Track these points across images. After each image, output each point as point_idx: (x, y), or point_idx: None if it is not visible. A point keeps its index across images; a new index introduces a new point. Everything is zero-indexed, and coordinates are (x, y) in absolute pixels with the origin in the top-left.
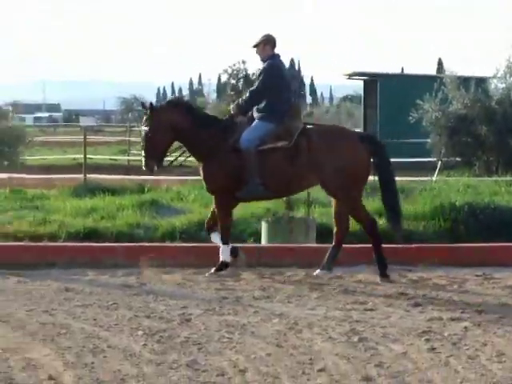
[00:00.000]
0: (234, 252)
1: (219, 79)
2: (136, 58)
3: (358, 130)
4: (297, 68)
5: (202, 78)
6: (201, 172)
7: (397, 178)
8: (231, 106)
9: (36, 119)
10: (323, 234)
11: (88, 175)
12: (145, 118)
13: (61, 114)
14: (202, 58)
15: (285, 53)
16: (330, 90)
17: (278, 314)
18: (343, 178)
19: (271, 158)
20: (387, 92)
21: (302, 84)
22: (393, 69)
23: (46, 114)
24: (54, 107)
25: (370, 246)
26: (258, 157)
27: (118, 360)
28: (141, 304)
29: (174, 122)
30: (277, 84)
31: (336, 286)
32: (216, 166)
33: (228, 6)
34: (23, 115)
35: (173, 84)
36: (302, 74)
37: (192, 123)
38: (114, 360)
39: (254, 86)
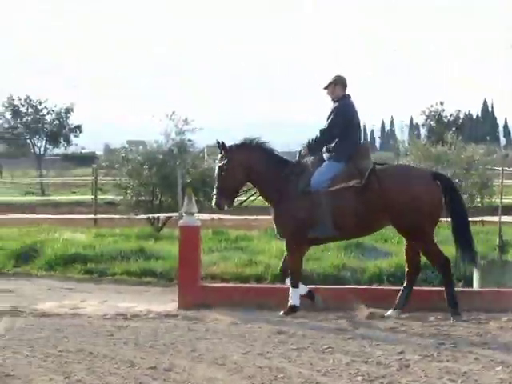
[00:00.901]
0: (310, 296)
1: (411, 121)
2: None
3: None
4: (490, 109)
5: (394, 119)
6: (271, 214)
7: None
8: (301, 147)
9: None
10: None
11: None
12: (219, 156)
13: None
14: (395, 100)
15: (476, 95)
16: None
17: (500, 361)
18: (415, 217)
19: (342, 199)
20: None
21: (495, 125)
22: None
23: None
24: None
25: None
26: (329, 197)
27: None
28: (357, 348)
29: (248, 163)
30: (346, 124)
31: None
32: (287, 209)
33: None
34: None
35: (364, 126)
36: (496, 114)
37: (265, 165)
38: None
39: (325, 126)
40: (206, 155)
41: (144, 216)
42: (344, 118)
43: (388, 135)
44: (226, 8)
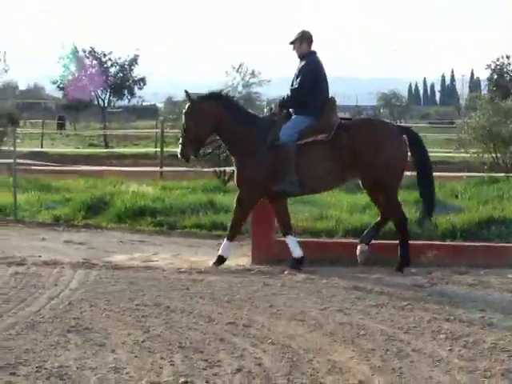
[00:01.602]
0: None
1: (472, 75)
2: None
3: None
4: None
5: (454, 73)
6: (234, 167)
7: None
8: (272, 105)
9: None
10: None
11: None
12: (186, 106)
13: None
14: (455, 54)
15: None
16: None
17: None
18: (381, 171)
19: (310, 153)
20: None
21: None
22: None
23: None
24: None
25: None
26: (296, 151)
27: (426, 366)
28: (437, 306)
29: (214, 114)
30: (315, 81)
31: None
32: (252, 162)
33: None
34: None
35: (425, 80)
36: None
37: (232, 117)
38: (422, 365)
39: (294, 85)
40: (265, 109)
41: (211, 169)
42: (312, 75)
43: (448, 89)
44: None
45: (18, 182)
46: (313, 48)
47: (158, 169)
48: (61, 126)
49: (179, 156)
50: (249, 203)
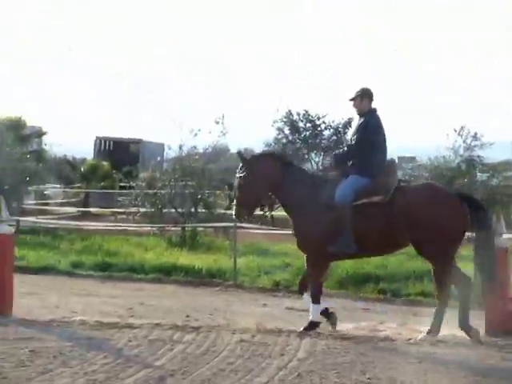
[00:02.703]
0: (325, 313)
1: None
2: None
3: None
4: None
5: None
6: (292, 227)
7: None
8: (327, 161)
9: None
10: None
11: None
12: (240, 166)
13: None
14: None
15: None
16: None
17: None
18: (438, 238)
19: (365, 214)
20: None
21: None
22: None
23: None
24: None
25: None
26: (351, 212)
27: None
28: None
29: (267, 174)
30: (373, 140)
31: None
32: (308, 222)
33: None
34: None
35: None
36: None
37: (286, 177)
38: None
39: (352, 142)
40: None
41: None
42: (371, 133)
43: None
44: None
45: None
46: (373, 105)
47: None
48: None
49: (234, 217)
50: (316, 262)
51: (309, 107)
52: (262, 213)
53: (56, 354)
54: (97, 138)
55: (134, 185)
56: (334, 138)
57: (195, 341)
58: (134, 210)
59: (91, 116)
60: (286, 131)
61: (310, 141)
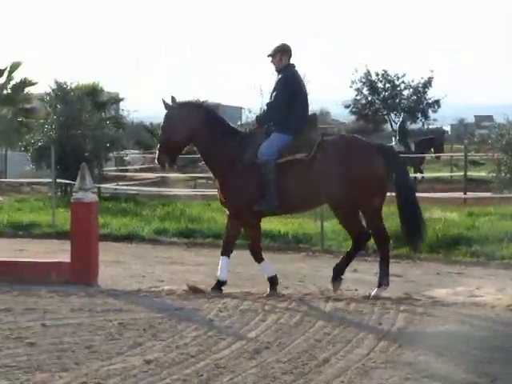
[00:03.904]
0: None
1: None
2: None
3: None
4: None
5: None
6: (216, 183)
7: None
8: (253, 121)
9: None
10: None
11: None
12: (165, 113)
13: None
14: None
15: None
16: None
17: None
18: (354, 190)
19: (289, 172)
20: None
21: None
22: None
23: None
24: None
25: None
26: (275, 170)
27: None
28: None
29: (192, 122)
30: (293, 96)
31: None
32: (233, 181)
33: None
34: None
35: None
36: None
37: (211, 129)
38: None
39: (270, 99)
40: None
41: None
42: (290, 89)
43: None
44: None
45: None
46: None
47: (461, 195)
48: None
49: (155, 161)
50: (253, 221)
51: (387, 67)
52: None
53: (146, 326)
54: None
55: None
56: (414, 97)
57: (288, 310)
58: None
59: (166, 81)
60: (365, 92)
61: (389, 101)
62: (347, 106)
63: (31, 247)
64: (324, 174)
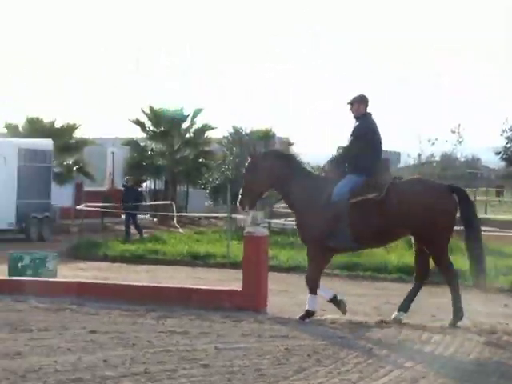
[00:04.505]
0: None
1: None
2: None
3: None
4: None
5: None
6: (295, 221)
7: None
8: (325, 162)
9: None
10: None
11: None
12: (247, 162)
13: None
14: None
15: None
16: None
17: None
18: (430, 229)
19: (361, 211)
20: None
21: None
22: None
23: None
24: None
25: None
26: (348, 209)
27: None
28: None
29: (272, 170)
30: (368, 142)
31: None
32: (309, 218)
33: None
34: None
35: None
36: None
37: (288, 173)
38: None
39: (347, 143)
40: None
41: None
42: (366, 135)
43: None
44: None
45: None
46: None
47: None
48: (499, 194)
49: (238, 205)
50: (316, 255)
51: None
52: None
53: (310, 352)
54: (339, 147)
55: None
56: None
57: (443, 341)
58: None
59: (331, 127)
60: None
61: None
62: (498, 153)
63: (207, 275)
64: (396, 213)
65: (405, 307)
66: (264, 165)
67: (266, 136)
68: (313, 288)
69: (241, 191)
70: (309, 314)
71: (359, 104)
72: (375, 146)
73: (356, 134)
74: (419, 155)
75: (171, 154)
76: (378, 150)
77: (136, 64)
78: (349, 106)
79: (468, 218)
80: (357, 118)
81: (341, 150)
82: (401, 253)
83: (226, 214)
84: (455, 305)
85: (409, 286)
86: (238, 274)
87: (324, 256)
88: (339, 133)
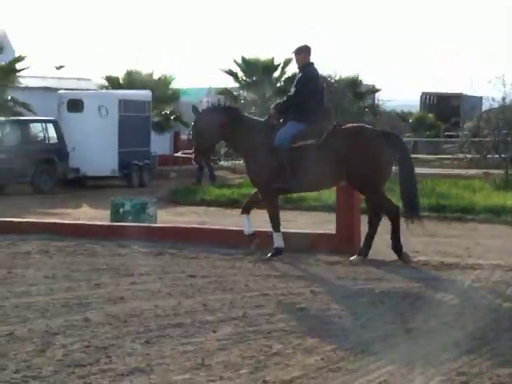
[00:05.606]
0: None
1: None
2: None
3: None
4: None
5: None
6: (245, 167)
7: None
8: (271, 107)
9: None
10: None
11: None
12: (194, 118)
13: None
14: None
15: None
16: None
17: None
18: (368, 174)
19: (301, 156)
20: None
21: None
22: None
23: None
24: None
25: None
26: (289, 154)
27: None
28: None
29: (217, 124)
30: (310, 90)
31: None
32: (256, 163)
33: None
34: None
35: None
36: None
37: (234, 125)
38: None
39: (291, 92)
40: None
41: None
42: (309, 85)
43: None
44: None
45: None
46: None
47: None
48: None
49: (193, 161)
50: (269, 195)
51: None
52: None
53: (405, 295)
54: (423, 93)
55: (460, 134)
56: None
57: None
58: (460, 155)
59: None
60: None
61: None
62: None
63: (299, 218)
64: (334, 159)
65: (365, 252)
66: (207, 120)
67: (354, 83)
68: (275, 225)
69: (193, 149)
70: (278, 251)
71: (306, 54)
72: (317, 94)
73: (300, 83)
74: (503, 99)
75: (263, 103)
76: (319, 99)
77: None
78: (294, 56)
79: (402, 163)
80: (302, 67)
81: (285, 98)
82: (487, 194)
83: None
84: (396, 243)
85: (497, 227)
86: (331, 217)
87: (274, 194)
88: None
